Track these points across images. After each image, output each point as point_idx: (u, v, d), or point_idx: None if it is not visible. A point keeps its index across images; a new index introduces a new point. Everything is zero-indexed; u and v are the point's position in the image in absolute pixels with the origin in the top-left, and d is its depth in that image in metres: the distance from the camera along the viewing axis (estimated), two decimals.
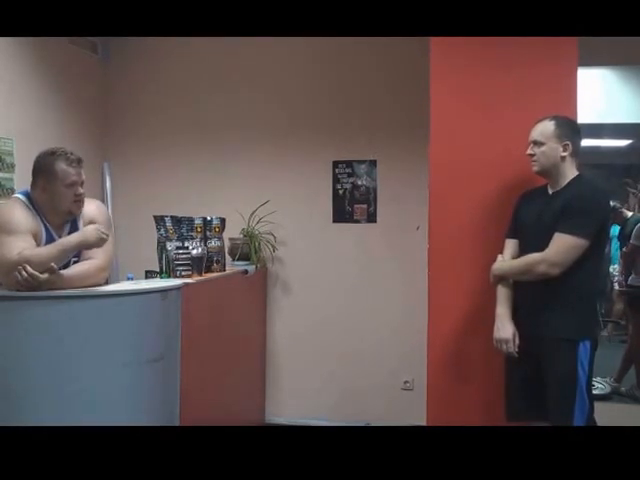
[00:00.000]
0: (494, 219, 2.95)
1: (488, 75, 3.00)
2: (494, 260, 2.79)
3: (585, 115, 2.75)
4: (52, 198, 2.65)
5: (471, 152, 2.99)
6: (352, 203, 4.27)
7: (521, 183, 2.86)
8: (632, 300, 4.76)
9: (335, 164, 4.29)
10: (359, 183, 4.26)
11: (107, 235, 2.62)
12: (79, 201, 2.70)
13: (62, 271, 2.56)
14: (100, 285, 2.69)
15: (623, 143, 5.58)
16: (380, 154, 4.23)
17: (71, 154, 2.66)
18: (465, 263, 2.99)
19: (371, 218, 4.25)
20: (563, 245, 2.54)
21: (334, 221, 4.31)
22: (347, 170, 4.27)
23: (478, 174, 2.98)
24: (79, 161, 2.67)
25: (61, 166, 2.61)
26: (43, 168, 2.64)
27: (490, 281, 2.77)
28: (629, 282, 4.75)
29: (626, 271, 4.84)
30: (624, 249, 4.78)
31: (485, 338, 2.85)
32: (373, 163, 4.24)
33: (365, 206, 4.26)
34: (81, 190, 2.69)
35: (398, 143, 4.15)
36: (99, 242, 2.59)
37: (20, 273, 2.42)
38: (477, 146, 2.98)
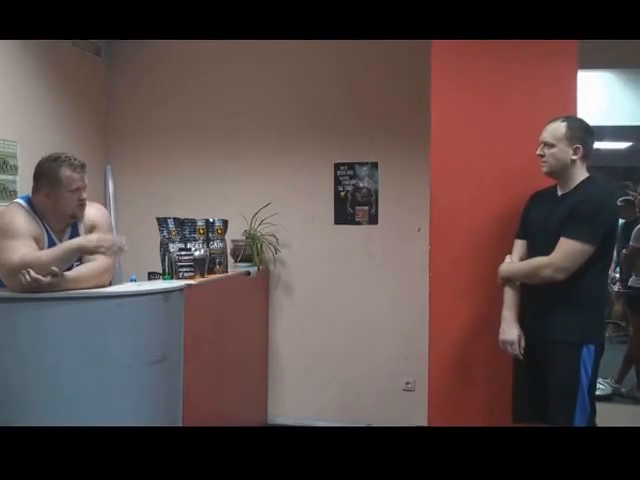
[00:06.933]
0: (496, 221, 2.95)
1: (489, 77, 3.01)
2: (495, 262, 2.79)
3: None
4: (56, 203, 2.65)
5: (472, 154, 3.00)
6: (354, 205, 4.28)
7: (523, 184, 2.86)
8: (632, 301, 4.77)
9: (337, 166, 4.30)
10: (361, 185, 4.27)
11: (107, 246, 2.60)
12: (82, 205, 2.71)
13: (66, 273, 2.57)
14: (103, 286, 2.71)
15: (623, 145, 5.60)
16: (382, 156, 4.24)
17: (75, 159, 2.66)
18: (466, 265, 2.99)
19: (372, 220, 4.26)
20: (569, 250, 2.52)
21: (336, 223, 4.32)
22: (349, 172, 4.28)
23: (479, 176, 2.98)
24: (83, 166, 2.68)
25: (65, 172, 2.62)
26: (47, 174, 2.64)
27: (498, 282, 2.77)
28: (629, 284, 4.76)
29: (626, 273, 4.85)
30: (624, 251, 4.79)
31: (486, 339, 2.86)
32: (375, 165, 4.25)
33: (367, 208, 4.27)
34: (84, 195, 2.70)
35: (400, 145, 4.16)
36: (97, 250, 2.58)
37: (24, 277, 2.44)
38: (478, 148, 2.99)
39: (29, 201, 2.69)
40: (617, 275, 5.08)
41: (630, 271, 4.77)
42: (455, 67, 3.03)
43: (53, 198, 2.64)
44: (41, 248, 2.62)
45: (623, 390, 4.64)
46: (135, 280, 3.16)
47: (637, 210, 5.21)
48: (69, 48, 4.20)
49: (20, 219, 2.61)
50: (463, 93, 3.02)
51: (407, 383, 4.19)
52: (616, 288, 5.06)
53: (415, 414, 3.57)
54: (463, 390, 3.01)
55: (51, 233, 2.70)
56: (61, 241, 2.71)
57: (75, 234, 2.76)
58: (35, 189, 2.69)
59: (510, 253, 2.80)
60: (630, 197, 5.28)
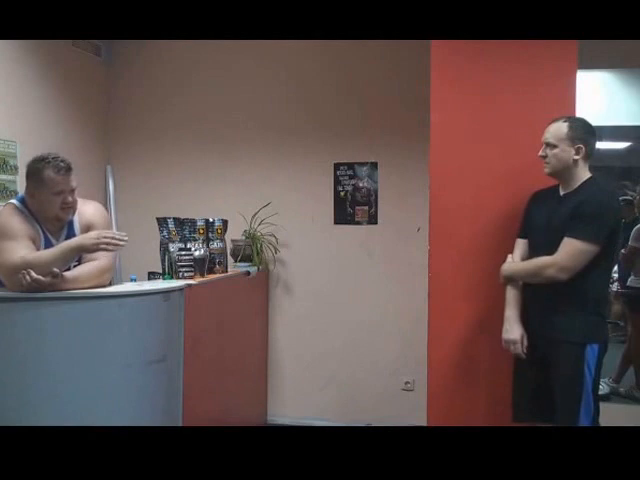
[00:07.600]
0: (495, 220, 2.96)
1: (489, 77, 3.01)
2: (495, 261, 2.80)
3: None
4: (40, 204, 2.62)
5: (472, 154, 3.00)
6: (353, 205, 4.29)
7: (522, 184, 2.87)
8: (631, 301, 4.77)
9: (336, 166, 4.31)
10: (360, 185, 4.28)
11: (106, 241, 2.56)
12: (67, 208, 2.66)
13: (66, 273, 2.57)
14: (103, 286, 2.70)
15: (622, 145, 5.59)
16: (381, 156, 4.24)
17: (62, 161, 2.59)
18: (466, 265, 2.99)
19: (372, 220, 4.27)
20: (573, 250, 2.52)
21: (335, 223, 4.33)
22: (348, 172, 4.29)
23: (479, 176, 2.99)
24: (68, 169, 2.61)
25: (49, 174, 2.56)
26: (32, 174, 2.61)
27: (500, 281, 2.77)
28: (628, 284, 4.76)
29: (625, 272, 4.85)
30: (622, 251, 4.79)
31: (486, 339, 2.87)
32: (374, 165, 4.26)
33: (366, 208, 4.27)
34: (70, 198, 2.64)
35: (399, 145, 4.17)
36: (97, 247, 2.56)
37: (24, 277, 2.43)
38: (478, 148, 2.99)
39: (23, 201, 2.68)
40: (616, 275, 5.08)
41: (629, 271, 4.78)
42: (455, 67, 3.04)
43: (37, 198, 2.61)
44: (38, 248, 2.60)
45: (621, 390, 4.64)
46: (135, 280, 3.16)
47: (636, 210, 5.21)
48: (69, 48, 4.20)
49: (15, 220, 2.59)
50: (463, 93, 3.02)
51: (407, 383, 4.20)
52: (615, 288, 5.05)
53: (415, 414, 3.57)
54: (463, 390, 3.01)
55: (47, 233, 2.68)
56: (57, 241, 2.69)
57: (71, 234, 2.73)
58: (25, 188, 2.67)
59: (511, 252, 2.80)
60: (629, 197, 5.28)
